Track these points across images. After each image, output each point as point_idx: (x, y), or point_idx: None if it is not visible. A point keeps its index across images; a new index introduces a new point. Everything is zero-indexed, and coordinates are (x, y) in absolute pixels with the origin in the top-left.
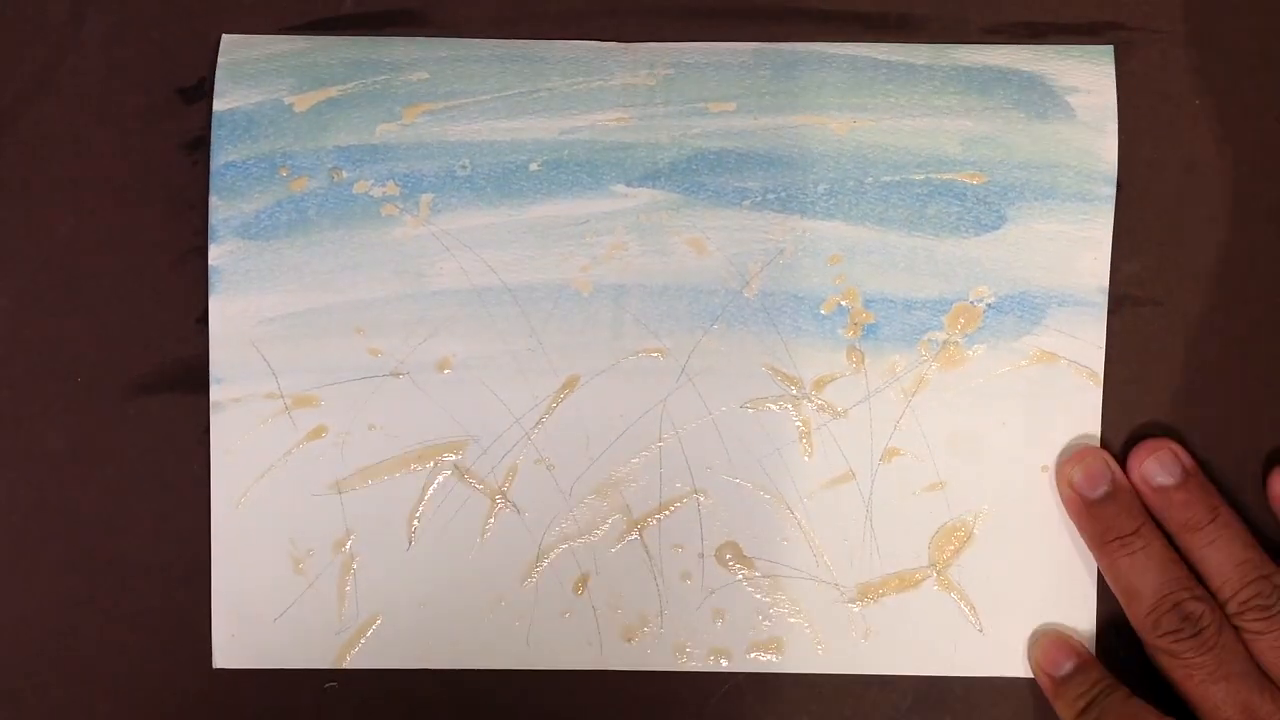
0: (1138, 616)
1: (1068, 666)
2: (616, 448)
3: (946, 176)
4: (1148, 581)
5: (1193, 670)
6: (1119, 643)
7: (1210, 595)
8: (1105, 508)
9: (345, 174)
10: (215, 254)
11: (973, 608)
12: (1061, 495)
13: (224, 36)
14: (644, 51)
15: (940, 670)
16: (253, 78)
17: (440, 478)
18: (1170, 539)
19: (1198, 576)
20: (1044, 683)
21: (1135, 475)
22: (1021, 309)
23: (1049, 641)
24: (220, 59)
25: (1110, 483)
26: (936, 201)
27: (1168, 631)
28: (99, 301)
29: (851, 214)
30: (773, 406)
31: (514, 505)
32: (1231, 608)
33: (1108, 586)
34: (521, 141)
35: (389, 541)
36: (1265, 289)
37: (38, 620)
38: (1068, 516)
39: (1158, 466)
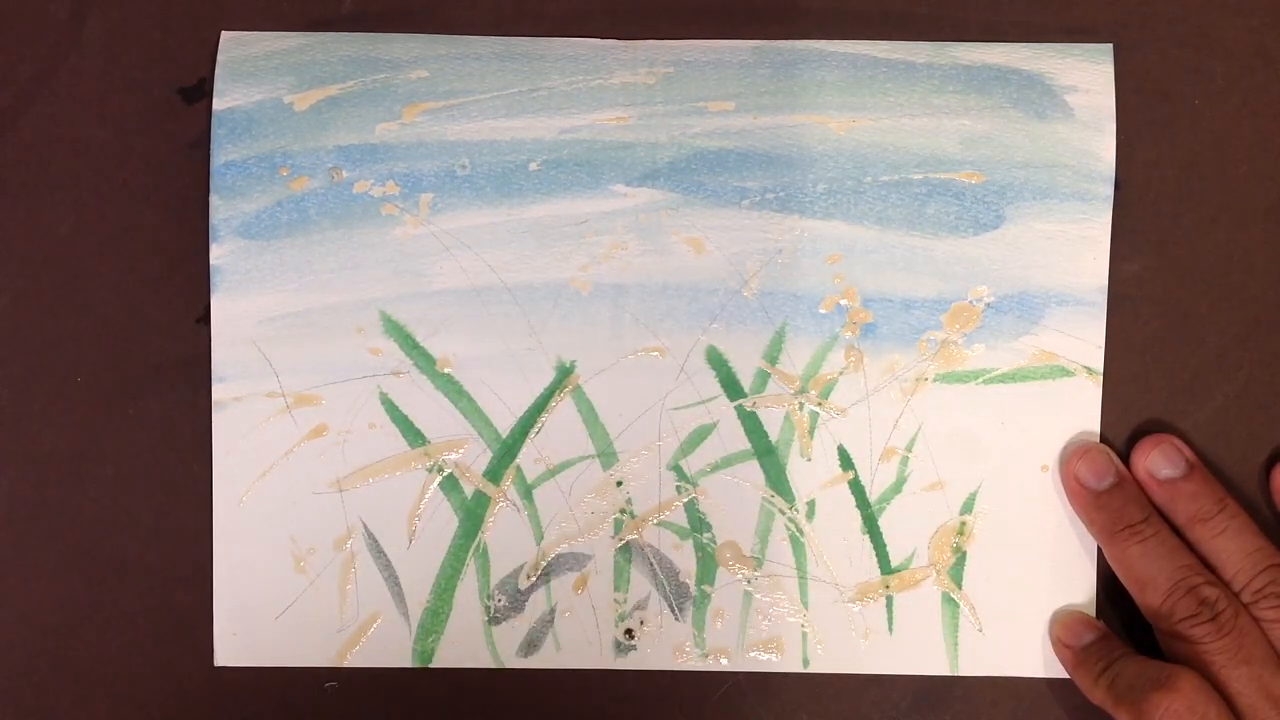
0: (1152, 604)
1: (1089, 637)
2: (616, 446)
3: (945, 176)
4: (1161, 568)
5: (1212, 656)
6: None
7: (1224, 583)
8: (1113, 498)
9: (345, 173)
10: (216, 254)
11: (973, 608)
12: (1067, 490)
13: (223, 34)
14: (644, 49)
15: (940, 670)
16: (252, 76)
17: (440, 477)
18: (1178, 533)
19: (1209, 568)
20: (1065, 655)
21: (1140, 469)
22: (1020, 308)
23: (1071, 618)
24: (220, 56)
25: (1115, 474)
26: (935, 201)
27: (1185, 617)
28: (99, 301)
29: (850, 213)
30: (772, 406)
31: (514, 505)
32: (1246, 597)
33: (1108, 586)
34: (521, 141)
35: (390, 540)
36: (1265, 289)
37: (38, 620)
38: (1073, 513)
39: (1163, 459)
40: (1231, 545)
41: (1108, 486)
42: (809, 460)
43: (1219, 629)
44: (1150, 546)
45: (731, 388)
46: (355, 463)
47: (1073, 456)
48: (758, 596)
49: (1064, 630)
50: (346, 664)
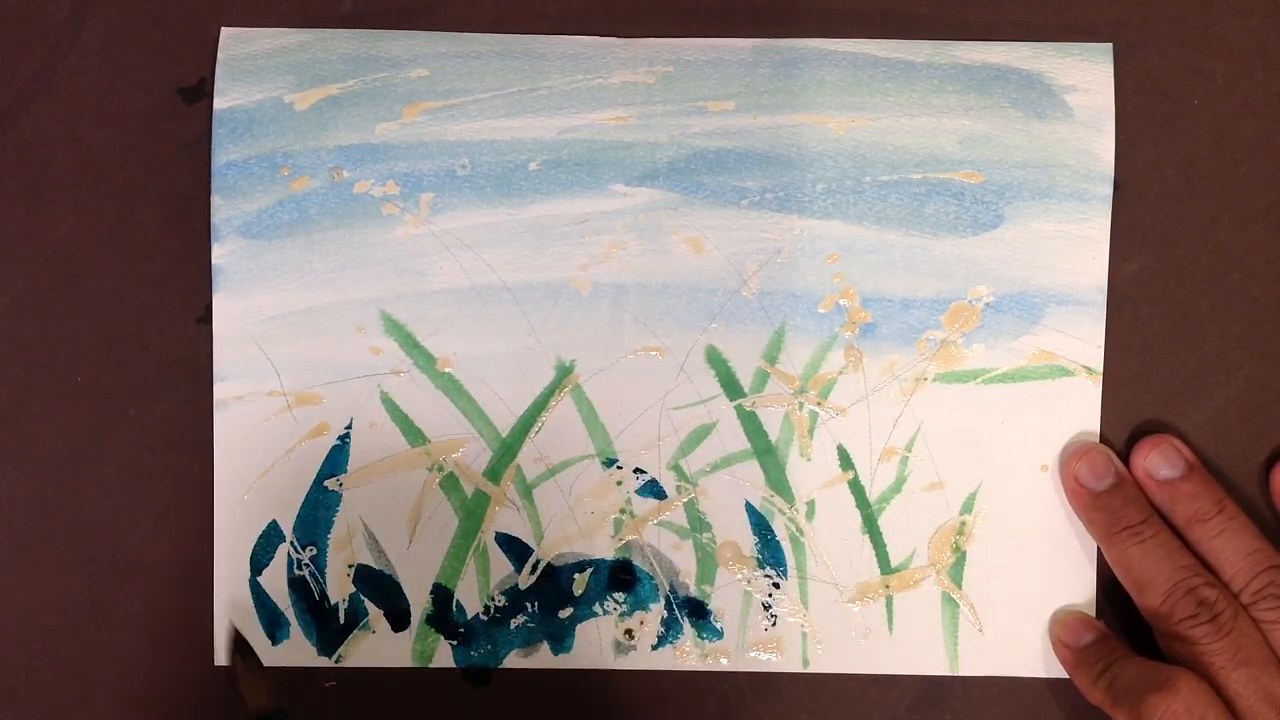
0: (1151, 605)
1: (1088, 638)
2: (616, 446)
3: (944, 176)
4: (1160, 569)
5: (1211, 657)
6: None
7: (1223, 584)
8: (1112, 499)
9: (346, 173)
10: (218, 253)
11: (973, 608)
12: (1067, 490)
13: (224, 30)
14: (643, 48)
15: (940, 670)
16: (253, 74)
17: (440, 476)
18: (1177, 534)
19: (1208, 569)
20: (1064, 656)
21: (1139, 469)
22: (1020, 308)
23: (1071, 618)
24: (220, 54)
25: (1115, 475)
26: (934, 201)
27: (1184, 618)
28: (99, 301)
29: (850, 213)
30: (771, 405)
31: (514, 504)
32: (1245, 598)
33: (1108, 586)
34: (521, 140)
35: (390, 540)
36: (1265, 289)
37: (38, 620)
38: (1073, 513)
39: (1162, 460)
40: (1230, 546)
41: (1107, 487)
42: (809, 460)
43: (1218, 630)
44: (1149, 547)
45: (731, 387)
46: (355, 462)
47: (1072, 457)
48: (757, 596)
49: (1064, 630)
50: (346, 664)
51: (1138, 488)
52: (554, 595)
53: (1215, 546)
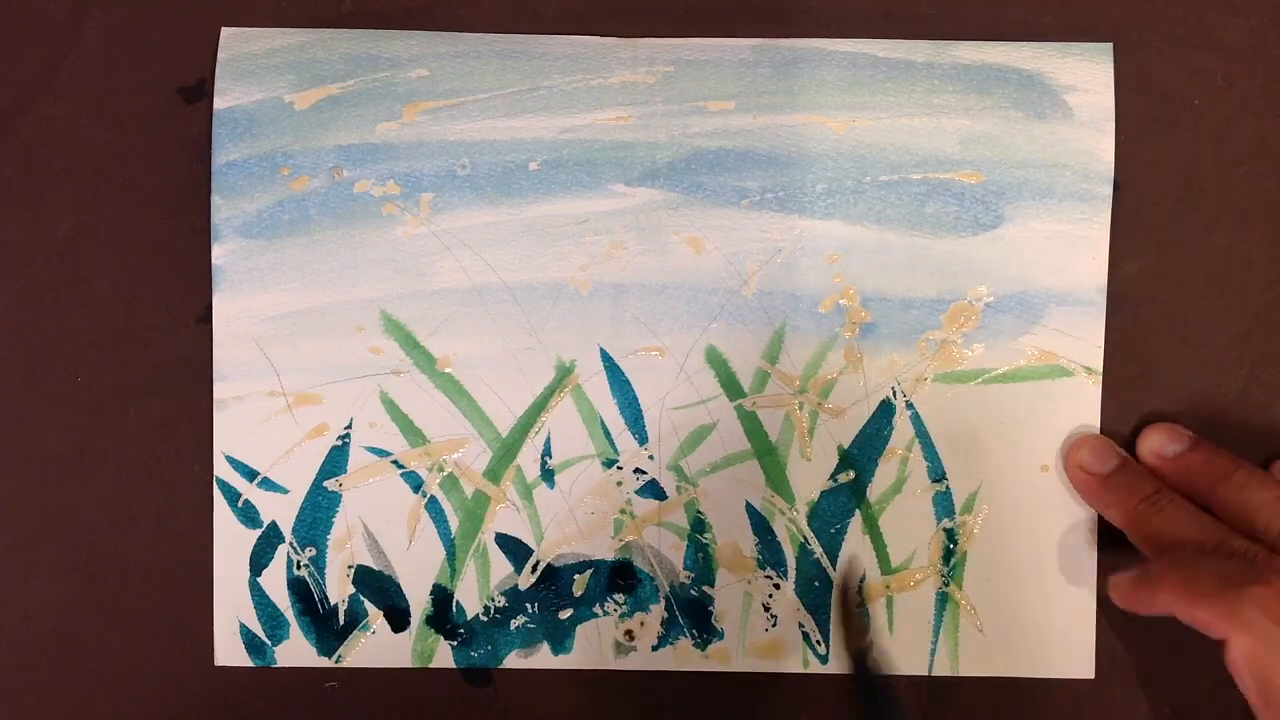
0: None
1: (1114, 462)
2: (616, 446)
3: (944, 176)
4: (1184, 530)
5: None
6: (1120, 642)
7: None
8: (1122, 477)
9: (346, 173)
10: (218, 253)
11: (973, 608)
12: (1075, 481)
13: (224, 30)
14: (643, 47)
15: (940, 670)
16: (253, 74)
17: (441, 476)
18: (1198, 504)
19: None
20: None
21: (1147, 454)
22: (1020, 308)
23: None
24: (221, 54)
25: (1119, 456)
26: (934, 201)
27: None
28: (99, 301)
29: (850, 213)
30: (771, 405)
31: (514, 504)
32: None
33: (1107, 585)
34: (521, 140)
35: (390, 540)
36: (1265, 289)
37: (38, 620)
38: (1073, 513)
39: (1167, 438)
40: (1260, 494)
41: (1114, 467)
42: (809, 460)
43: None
44: (1169, 514)
45: (731, 388)
46: (356, 462)
47: (1074, 447)
48: (758, 596)
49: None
50: (346, 664)
51: (1142, 465)
52: (554, 596)
53: (1245, 499)
